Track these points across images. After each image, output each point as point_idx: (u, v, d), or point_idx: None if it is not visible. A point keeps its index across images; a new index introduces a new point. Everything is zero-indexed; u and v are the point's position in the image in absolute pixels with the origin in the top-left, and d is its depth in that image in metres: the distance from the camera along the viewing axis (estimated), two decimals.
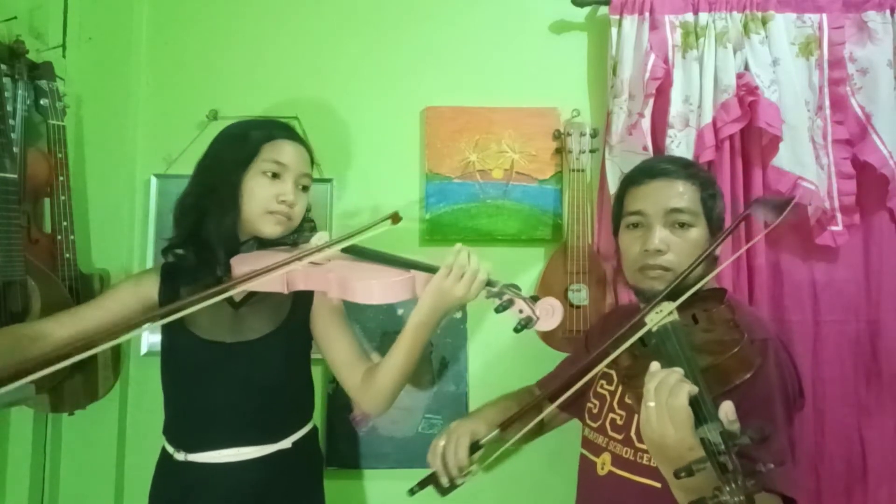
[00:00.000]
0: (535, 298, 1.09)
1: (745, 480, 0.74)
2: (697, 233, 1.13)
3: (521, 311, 1.08)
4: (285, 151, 1.23)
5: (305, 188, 1.28)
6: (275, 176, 1.22)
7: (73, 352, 0.95)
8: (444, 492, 1.19)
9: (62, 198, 1.48)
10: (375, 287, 1.11)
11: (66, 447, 1.64)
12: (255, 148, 1.22)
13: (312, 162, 1.31)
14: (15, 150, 1.35)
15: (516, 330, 1.08)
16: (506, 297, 1.09)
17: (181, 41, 1.76)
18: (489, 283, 1.12)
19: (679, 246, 1.12)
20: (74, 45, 1.67)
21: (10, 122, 1.36)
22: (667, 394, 0.86)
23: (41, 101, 1.46)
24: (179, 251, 1.25)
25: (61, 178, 1.48)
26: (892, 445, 1.61)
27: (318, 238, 1.26)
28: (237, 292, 1.20)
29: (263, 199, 1.20)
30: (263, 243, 1.25)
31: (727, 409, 0.83)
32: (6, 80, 1.38)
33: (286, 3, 1.77)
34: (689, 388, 0.85)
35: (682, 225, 1.13)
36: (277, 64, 1.76)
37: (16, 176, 1.31)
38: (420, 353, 1.17)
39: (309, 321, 1.29)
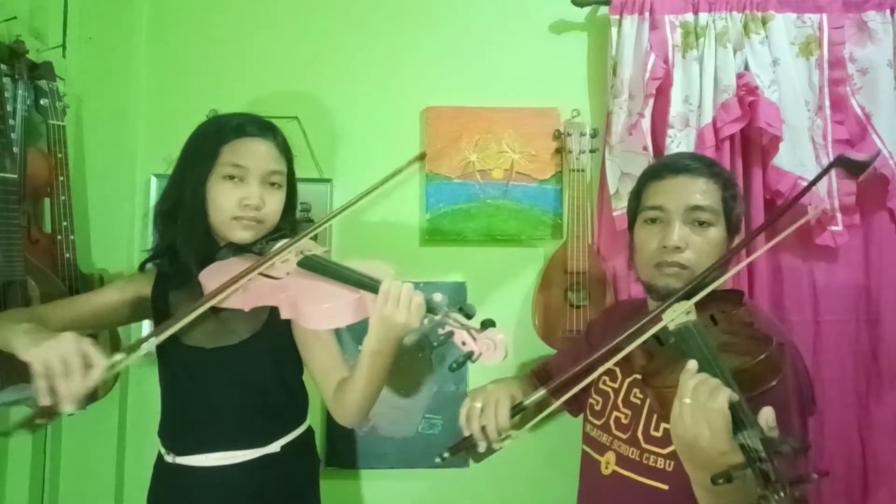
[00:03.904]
0: (485, 325, 0.98)
1: (792, 489, 0.72)
2: (716, 232, 1.10)
3: (463, 344, 0.97)
4: (246, 151, 1.16)
5: (278, 185, 1.20)
6: (237, 179, 1.16)
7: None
8: (479, 457, 1.12)
9: (62, 198, 1.48)
10: (325, 312, 1.04)
11: (66, 447, 1.64)
12: (214, 151, 1.16)
13: (288, 156, 1.24)
14: (15, 150, 1.35)
15: (451, 369, 0.98)
16: (446, 329, 0.98)
17: (181, 41, 1.76)
18: (430, 310, 1.01)
19: (697, 244, 1.09)
20: (74, 45, 1.67)
21: (10, 122, 1.35)
22: (706, 395, 0.82)
23: (41, 101, 1.46)
24: (157, 261, 1.24)
25: (61, 178, 1.48)
26: (892, 445, 1.62)
27: (279, 246, 1.17)
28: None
29: (227, 205, 1.15)
30: (238, 248, 1.20)
31: (768, 416, 0.80)
32: (6, 80, 1.38)
33: (286, 3, 1.77)
34: (729, 394, 0.82)
35: (702, 223, 1.09)
36: (277, 64, 1.75)
37: (16, 176, 1.31)
38: (383, 377, 1.12)
39: (291, 324, 1.23)
